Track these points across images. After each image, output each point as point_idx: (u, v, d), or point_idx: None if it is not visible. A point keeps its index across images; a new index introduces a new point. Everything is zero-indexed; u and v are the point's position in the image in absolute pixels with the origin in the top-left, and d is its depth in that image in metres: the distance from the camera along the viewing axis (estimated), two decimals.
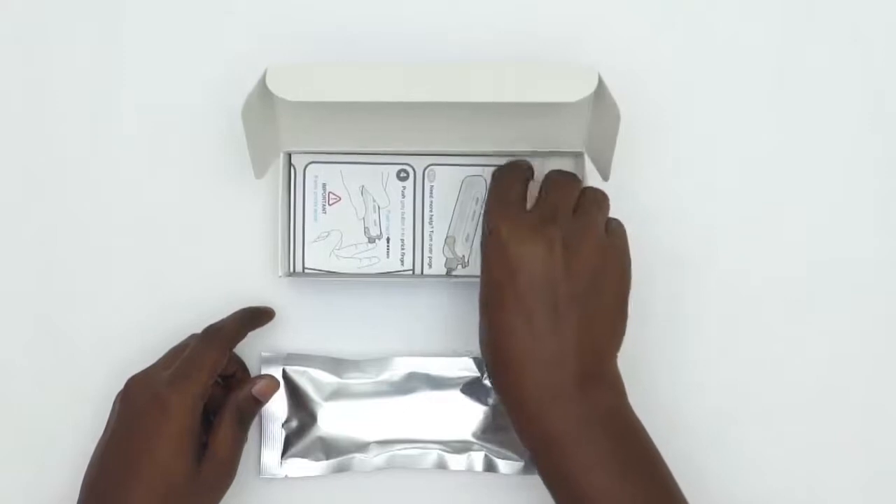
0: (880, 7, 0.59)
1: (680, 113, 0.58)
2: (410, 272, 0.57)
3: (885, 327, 0.58)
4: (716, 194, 0.58)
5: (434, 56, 0.57)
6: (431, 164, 0.57)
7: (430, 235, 0.57)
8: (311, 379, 0.56)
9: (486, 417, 0.56)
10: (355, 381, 0.56)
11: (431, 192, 0.57)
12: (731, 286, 0.58)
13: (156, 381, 0.51)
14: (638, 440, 0.48)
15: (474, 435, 0.56)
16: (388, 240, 0.57)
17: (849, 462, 0.57)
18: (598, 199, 0.50)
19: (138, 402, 0.51)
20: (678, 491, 0.48)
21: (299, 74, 0.48)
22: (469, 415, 0.56)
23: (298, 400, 0.56)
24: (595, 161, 0.54)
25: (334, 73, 0.48)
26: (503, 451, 0.56)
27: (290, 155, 0.56)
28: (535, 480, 0.56)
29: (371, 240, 0.57)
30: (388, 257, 0.57)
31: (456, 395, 0.56)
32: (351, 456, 0.56)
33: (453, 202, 0.57)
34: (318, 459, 0.56)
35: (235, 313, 0.55)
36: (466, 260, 0.57)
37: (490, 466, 0.56)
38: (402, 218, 0.57)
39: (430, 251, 0.57)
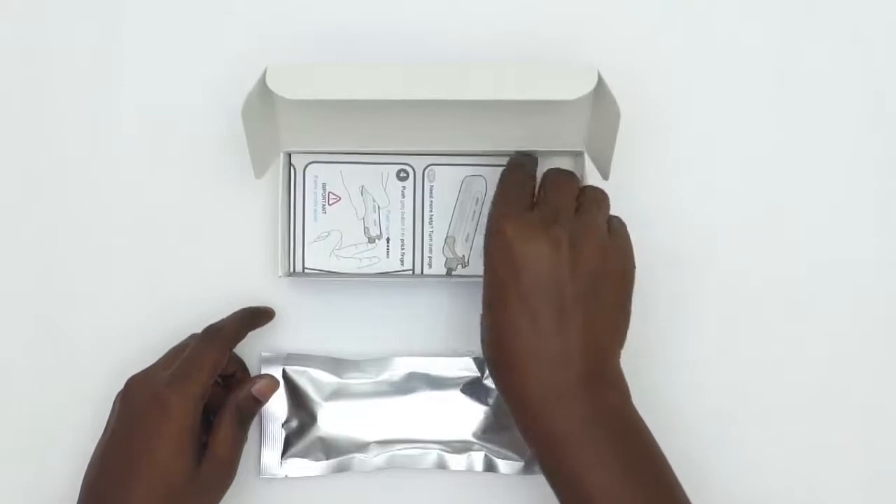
0: (880, 7, 0.59)
1: (680, 113, 0.58)
2: (410, 272, 0.57)
3: (885, 327, 0.58)
4: (716, 194, 0.58)
5: (434, 56, 0.57)
6: (431, 164, 0.57)
7: (430, 235, 0.57)
8: (311, 379, 0.56)
9: (486, 417, 0.56)
10: (355, 381, 0.56)
11: (431, 192, 0.57)
12: (731, 286, 0.58)
13: (156, 381, 0.51)
14: (641, 440, 0.48)
15: (474, 435, 0.56)
16: (388, 240, 0.57)
17: (849, 462, 0.57)
18: (599, 199, 0.50)
19: (138, 402, 0.51)
20: (681, 491, 0.48)
21: (299, 74, 0.48)
22: (469, 415, 0.56)
23: (298, 400, 0.56)
24: (595, 160, 0.54)
25: (334, 73, 0.48)
26: (503, 451, 0.56)
27: (290, 155, 0.56)
28: (535, 480, 0.56)
29: (371, 240, 0.57)
30: (388, 257, 0.57)
31: (456, 395, 0.56)
32: (351, 456, 0.56)
33: (453, 202, 0.57)
34: (318, 459, 0.56)
35: (235, 313, 0.55)
36: (466, 260, 0.57)
37: (490, 466, 0.56)
38: (402, 218, 0.57)
39: (430, 251, 0.57)
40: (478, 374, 0.56)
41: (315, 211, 0.56)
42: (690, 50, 0.59)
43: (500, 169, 0.56)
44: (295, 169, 0.56)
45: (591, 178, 0.54)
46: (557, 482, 0.48)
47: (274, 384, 0.54)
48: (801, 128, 0.59)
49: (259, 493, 0.56)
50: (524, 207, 0.49)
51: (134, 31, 0.59)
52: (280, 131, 0.55)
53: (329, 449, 0.56)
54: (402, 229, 0.57)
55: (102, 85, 0.58)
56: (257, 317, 0.56)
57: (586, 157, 0.55)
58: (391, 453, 0.56)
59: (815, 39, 0.59)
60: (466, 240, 0.57)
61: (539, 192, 0.50)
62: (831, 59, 0.59)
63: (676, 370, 0.57)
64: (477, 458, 0.56)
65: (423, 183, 0.57)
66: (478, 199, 0.57)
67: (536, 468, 0.56)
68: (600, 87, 0.48)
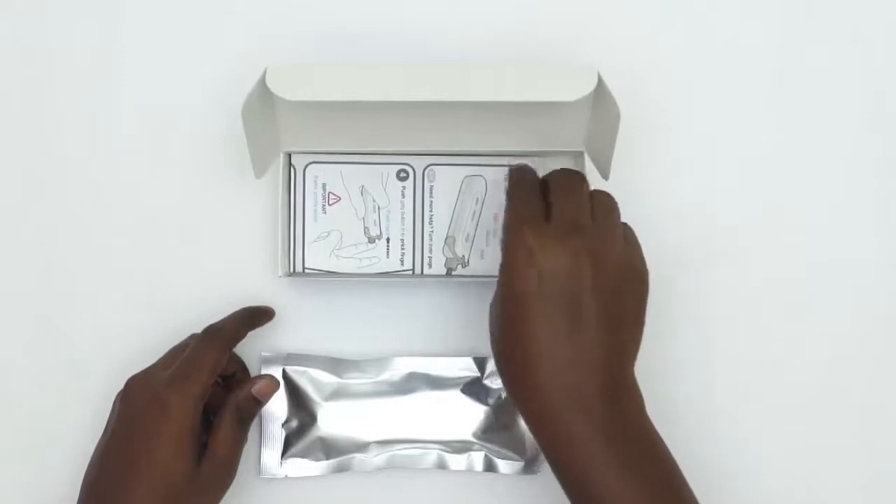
0: (880, 7, 0.59)
1: (680, 113, 0.58)
2: (410, 272, 0.57)
3: (885, 327, 0.58)
4: (716, 194, 0.58)
5: (434, 56, 0.57)
6: (431, 164, 0.57)
7: (430, 235, 0.57)
8: (311, 379, 0.56)
9: (486, 417, 0.56)
10: (355, 381, 0.56)
11: (431, 192, 0.57)
12: (731, 286, 0.58)
13: (156, 381, 0.51)
14: (654, 447, 0.48)
15: (474, 435, 0.56)
16: (388, 240, 0.57)
17: (849, 462, 0.57)
18: (611, 206, 0.49)
19: (138, 402, 0.51)
20: (692, 497, 0.48)
21: (299, 74, 0.48)
22: (469, 415, 0.56)
23: (298, 400, 0.56)
24: (595, 160, 0.54)
25: (334, 73, 0.48)
26: (503, 451, 0.56)
27: (290, 155, 0.56)
28: (535, 480, 0.56)
29: (371, 240, 0.57)
30: (388, 257, 0.57)
31: (456, 395, 0.56)
32: (351, 456, 0.56)
33: (453, 202, 0.57)
34: (318, 459, 0.56)
35: (235, 313, 0.55)
36: (466, 260, 0.57)
37: (490, 466, 0.56)
38: (402, 218, 0.57)
39: (430, 251, 0.57)
40: (478, 374, 0.56)
41: (315, 211, 0.56)
42: (690, 50, 0.59)
43: (500, 169, 0.56)
44: (295, 169, 0.56)
45: (591, 177, 0.54)
46: (569, 483, 0.47)
47: (274, 384, 0.54)
48: (801, 128, 0.59)
49: (259, 493, 0.56)
50: (541, 216, 0.48)
51: (134, 31, 0.59)
52: (280, 131, 0.55)
53: (329, 449, 0.56)
54: (402, 229, 0.57)
55: (102, 85, 0.58)
56: (257, 317, 0.56)
57: (586, 157, 0.55)
58: (391, 453, 0.56)
59: (815, 39, 0.59)
60: (466, 240, 0.57)
61: (551, 196, 0.49)
62: (831, 59, 0.59)
63: (675, 370, 0.57)
64: (477, 458, 0.56)
65: (423, 183, 0.57)
66: (478, 199, 0.57)
67: (536, 468, 0.56)
68: (600, 88, 0.48)
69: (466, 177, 0.57)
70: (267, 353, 0.57)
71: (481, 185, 0.57)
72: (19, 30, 0.59)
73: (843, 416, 0.57)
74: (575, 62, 0.56)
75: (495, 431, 0.56)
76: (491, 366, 0.56)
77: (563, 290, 0.46)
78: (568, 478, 0.47)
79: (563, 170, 0.51)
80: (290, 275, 0.56)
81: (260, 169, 0.54)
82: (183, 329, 0.55)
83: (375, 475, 0.56)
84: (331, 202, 0.57)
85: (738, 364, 0.57)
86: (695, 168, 0.58)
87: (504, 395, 0.56)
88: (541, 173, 0.54)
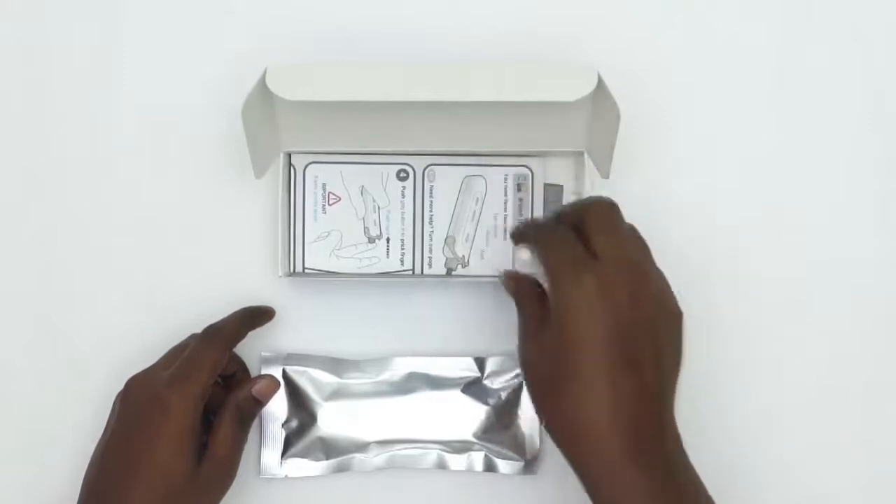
0: (880, 7, 0.59)
1: (680, 113, 0.58)
2: (410, 272, 0.57)
3: (885, 327, 0.58)
4: (716, 194, 0.58)
5: (434, 56, 0.57)
6: (431, 164, 0.57)
7: (430, 235, 0.57)
8: (311, 379, 0.56)
9: (487, 417, 0.56)
10: (355, 381, 0.56)
11: (431, 192, 0.57)
12: (731, 286, 0.58)
13: (156, 381, 0.51)
14: (694, 485, 0.47)
15: (474, 435, 0.56)
16: (388, 240, 0.57)
17: (849, 462, 0.57)
18: (642, 242, 0.48)
19: (138, 402, 0.51)
20: None
21: (299, 74, 0.48)
22: (469, 415, 0.56)
23: (298, 400, 0.56)
24: (595, 160, 0.54)
25: (334, 73, 0.48)
26: (503, 451, 0.56)
27: (290, 155, 0.56)
28: (535, 480, 0.56)
29: (371, 240, 0.57)
30: (388, 257, 0.57)
31: (456, 395, 0.56)
32: (351, 456, 0.56)
33: (453, 202, 0.57)
34: (318, 459, 0.56)
35: (235, 313, 0.55)
36: (466, 260, 0.57)
37: (490, 466, 0.56)
38: (402, 218, 0.57)
39: (430, 251, 0.57)
40: (478, 374, 0.56)
41: (315, 211, 0.56)
42: (690, 50, 0.59)
43: (500, 169, 0.56)
44: (295, 169, 0.56)
45: (591, 178, 0.54)
46: None
47: (274, 385, 0.54)
48: (801, 128, 0.58)
49: (259, 493, 0.56)
50: (587, 258, 0.46)
51: (134, 31, 0.59)
52: (280, 131, 0.55)
53: (329, 449, 0.56)
54: (402, 229, 0.57)
55: (102, 85, 0.58)
56: (257, 317, 0.56)
57: (586, 157, 0.55)
58: (391, 453, 0.56)
59: (815, 39, 0.59)
60: (466, 240, 0.57)
61: (590, 232, 0.47)
62: (831, 59, 0.59)
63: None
64: (477, 458, 0.56)
65: (423, 183, 0.57)
66: (478, 199, 0.57)
67: (536, 468, 0.56)
68: (600, 88, 0.48)
69: (466, 177, 0.57)
70: (267, 353, 0.57)
71: (481, 185, 0.57)
72: (19, 30, 0.59)
73: (843, 416, 0.57)
74: (575, 62, 0.56)
75: (495, 432, 0.56)
76: (491, 366, 0.56)
77: (626, 331, 0.45)
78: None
79: (596, 202, 0.49)
80: (290, 275, 0.56)
81: (260, 169, 0.54)
82: (183, 329, 0.55)
83: (375, 475, 0.56)
84: (331, 202, 0.56)
85: (738, 364, 0.57)
86: (695, 168, 0.58)
87: (504, 395, 0.56)
88: (541, 173, 0.54)
